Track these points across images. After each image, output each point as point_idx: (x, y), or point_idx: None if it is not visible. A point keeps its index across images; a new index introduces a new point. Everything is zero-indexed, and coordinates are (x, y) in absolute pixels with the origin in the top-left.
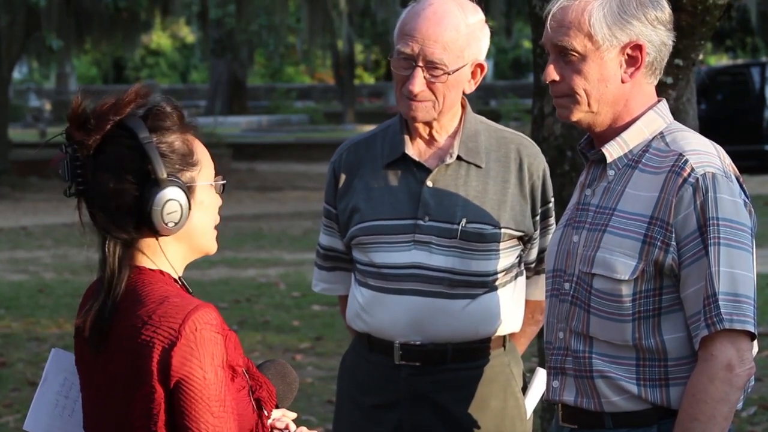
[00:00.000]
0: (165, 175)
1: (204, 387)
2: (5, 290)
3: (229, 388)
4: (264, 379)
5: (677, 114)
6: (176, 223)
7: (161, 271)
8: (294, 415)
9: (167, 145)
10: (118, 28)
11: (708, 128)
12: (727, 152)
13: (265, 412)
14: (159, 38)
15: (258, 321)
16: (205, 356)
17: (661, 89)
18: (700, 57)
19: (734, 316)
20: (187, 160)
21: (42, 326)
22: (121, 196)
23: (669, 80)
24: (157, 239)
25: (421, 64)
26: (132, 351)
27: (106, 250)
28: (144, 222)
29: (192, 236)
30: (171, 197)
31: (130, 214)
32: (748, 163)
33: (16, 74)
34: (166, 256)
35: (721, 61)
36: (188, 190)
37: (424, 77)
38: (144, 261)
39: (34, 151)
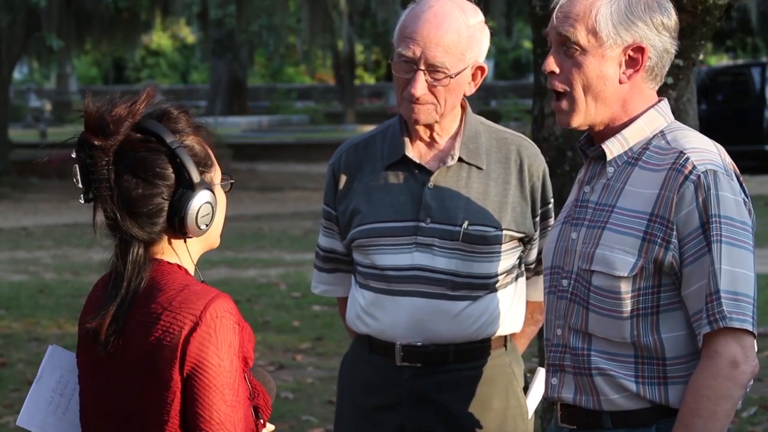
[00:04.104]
0: (199, 179)
1: (218, 374)
2: (5, 290)
3: (242, 378)
4: (261, 387)
5: (677, 114)
6: (207, 225)
7: (179, 265)
8: (273, 427)
9: (189, 149)
10: (119, 28)
11: (708, 128)
12: (728, 152)
13: (261, 421)
14: (159, 38)
15: (258, 321)
16: (223, 344)
17: (662, 89)
18: (701, 57)
19: (734, 315)
20: (206, 162)
21: (42, 326)
22: (150, 201)
23: (669, 80)
24: (184, 240)
25: (422, 67)
26: (150, 338)
27: (130, 252)
28: (173, 224)
29: (209, 234)
30: (205, 200)
31: (159, 218)
32: (748, 163)
33: (17, 74)
34: (189, 253)
35: (721, 61)
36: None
37: (426, 80)
38: (163, 256)
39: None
